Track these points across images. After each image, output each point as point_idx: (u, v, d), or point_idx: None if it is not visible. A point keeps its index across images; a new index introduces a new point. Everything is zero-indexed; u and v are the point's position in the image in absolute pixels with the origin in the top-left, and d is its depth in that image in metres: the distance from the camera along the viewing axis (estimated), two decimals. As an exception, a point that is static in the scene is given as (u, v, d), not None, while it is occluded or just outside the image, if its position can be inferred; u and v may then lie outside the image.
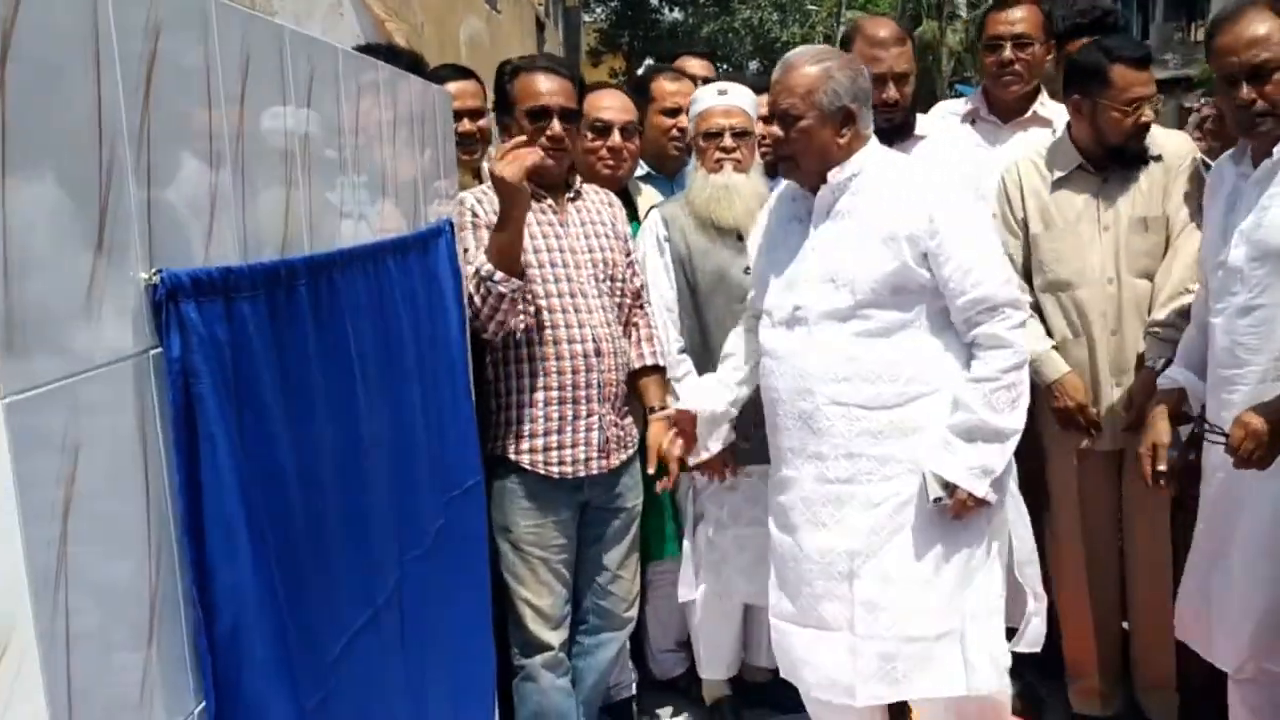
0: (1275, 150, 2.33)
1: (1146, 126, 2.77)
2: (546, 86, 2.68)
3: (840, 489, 2.42)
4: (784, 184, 2.65)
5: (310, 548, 1.38)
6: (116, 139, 1.04)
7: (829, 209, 2.45)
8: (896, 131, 3.02)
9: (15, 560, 0.88)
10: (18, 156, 0.90)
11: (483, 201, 2.63)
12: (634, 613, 2.91)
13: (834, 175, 2.42)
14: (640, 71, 5.40)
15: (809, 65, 2.39)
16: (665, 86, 3.42)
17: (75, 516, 0.96)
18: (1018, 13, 3.20)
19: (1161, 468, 2.50)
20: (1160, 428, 2.52)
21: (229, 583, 1.17)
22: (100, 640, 1.01)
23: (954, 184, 2.50)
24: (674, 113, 3.35)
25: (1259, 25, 2.30)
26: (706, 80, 3.79)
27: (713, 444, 2.76)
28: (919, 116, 3.23)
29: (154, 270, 1.10)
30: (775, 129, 2.43)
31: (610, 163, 3.09)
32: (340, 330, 1.56)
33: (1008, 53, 3.13)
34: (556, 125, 2.66)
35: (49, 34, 0.95)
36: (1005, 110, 3.25)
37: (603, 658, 2.88)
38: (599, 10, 30.21)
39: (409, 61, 2.91)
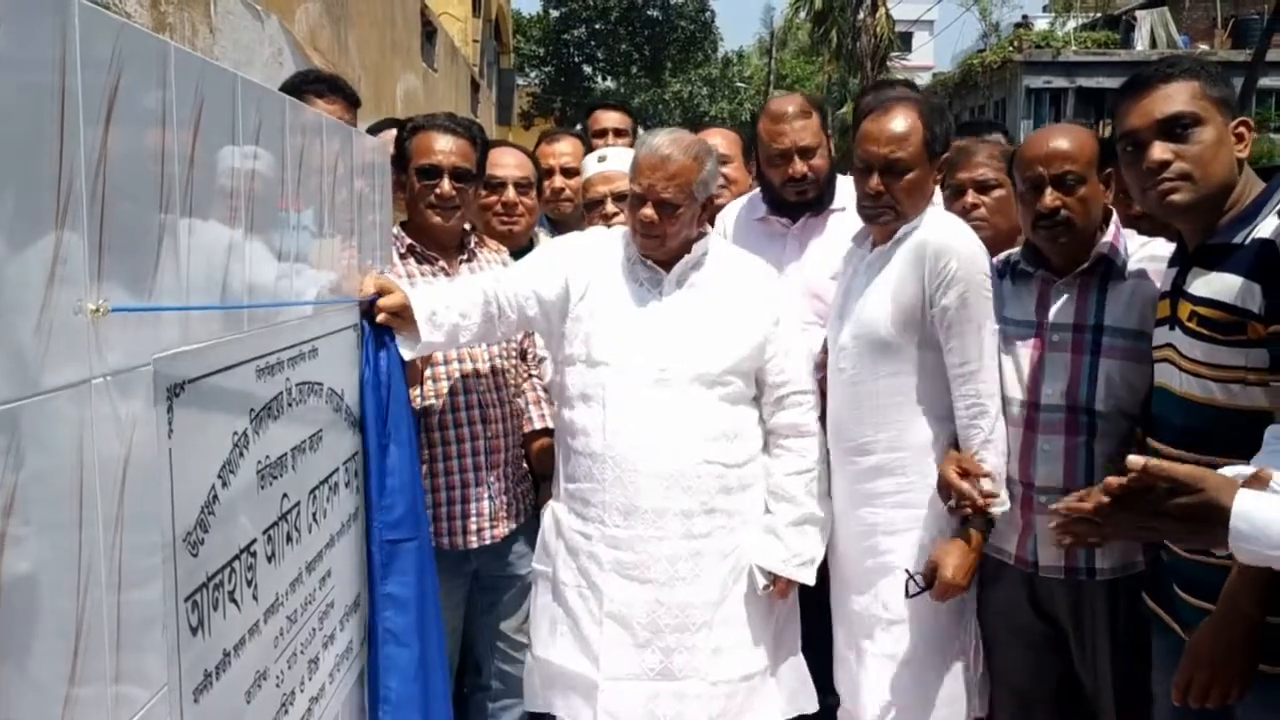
0: (892, 240, 2.47)
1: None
2: (441, 145, 2.64)
3: (700, 544, 2.53)
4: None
5: None
6: (75, 173, 1.08)
7: (680, 280, 2.58)
8: (812, 205, 2.97)
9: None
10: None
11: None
12: None
13: (696, 248, 2.58)
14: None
15: (685, 156, 2.46)
16: (543, 148, 3.51)
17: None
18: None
19: None
20: None
21: None
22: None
23: (786, 288, 2.76)
24: (549, 173, 3.40)
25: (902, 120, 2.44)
26: (619, 132, 3.83)
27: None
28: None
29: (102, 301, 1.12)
30: (648, 210, 2.46)
31: (505, 218, 3.07)
32: None
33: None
34: (446, 184, 2.62)
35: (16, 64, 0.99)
36: None
37: None
38: (533, 75, 30.58)
39: (332, 84, 2.99)
